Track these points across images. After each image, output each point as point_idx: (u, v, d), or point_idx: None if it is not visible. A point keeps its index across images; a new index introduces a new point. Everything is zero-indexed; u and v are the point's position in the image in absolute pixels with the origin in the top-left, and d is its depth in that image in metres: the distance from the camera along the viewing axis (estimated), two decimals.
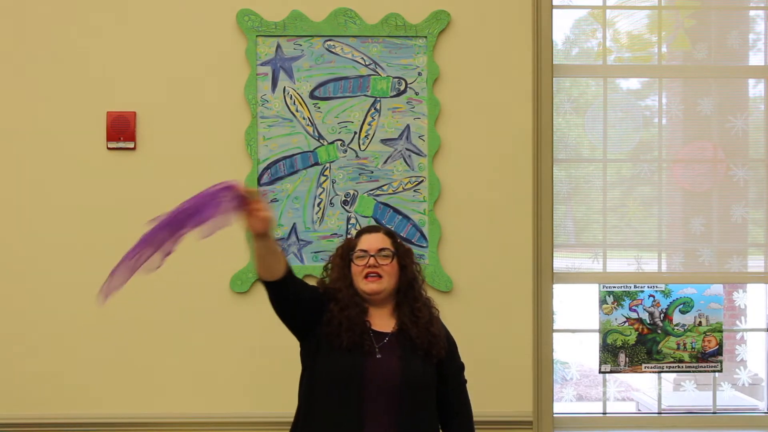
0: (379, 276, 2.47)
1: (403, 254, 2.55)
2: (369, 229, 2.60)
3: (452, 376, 2.55)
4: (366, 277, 2.48)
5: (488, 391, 3.33)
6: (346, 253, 2.55)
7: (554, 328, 3.55)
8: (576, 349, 5.31)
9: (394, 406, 2.38)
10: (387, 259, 2.49)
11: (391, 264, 2.49)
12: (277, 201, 3.43)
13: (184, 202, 2.24)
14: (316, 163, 3.45)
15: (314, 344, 2.46)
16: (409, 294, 2.52)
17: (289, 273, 2.40)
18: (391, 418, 2.37)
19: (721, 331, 3.63)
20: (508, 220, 3.47)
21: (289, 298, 2.41)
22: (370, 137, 3.45)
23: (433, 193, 3.43)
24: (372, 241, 2.51)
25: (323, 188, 3.44)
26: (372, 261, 2.47)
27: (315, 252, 3.43)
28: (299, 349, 2.54)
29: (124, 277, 2.28)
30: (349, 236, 2.71)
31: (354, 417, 2.35)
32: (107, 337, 3.41)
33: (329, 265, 2.60)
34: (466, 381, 2.62)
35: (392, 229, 2.62)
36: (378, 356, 2.42)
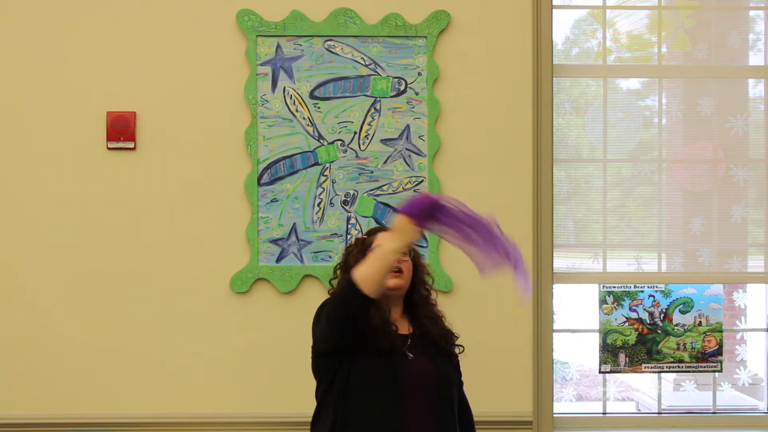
0: (401, 271, 2.48)
1: (416, 254, 2.60)
2: (383, 229, 2.59)
3: (459, 376, 2.59)
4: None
5: (488, 391, 3.33)
6: (363, 250, 2.50)
7: (554, 328, 3.55)
8: (576, 349, 5.31)
9: (432, 405, 2.40)
10: (407, 256, 2.51)
11: (409, 261, 2.52)
12: (277, 201, 3.43)
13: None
14: (316, 163, 3.45)
15: (348, 353, 2.38)
16: (422, 294, 2.55)
17: None
18: (430, 417, 2.39)
19: (721, 331, 3.63)
20: (508, 220, 3.40)
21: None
22: (370, 137, 3.45)
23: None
24: None
25: (323, 188, 3.44)
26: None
27: (315, 252, 3.43)
28: (309, 357, 2.50)
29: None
30: (359, 236, 2.70)
31: (396, 418, 2.35)
32: (107, 336, 3.41)
33: (342, 265, 2.58)
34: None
35: None
36: (410, 357, 2.43)
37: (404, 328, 2.50)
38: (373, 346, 2.38)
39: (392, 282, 2.46)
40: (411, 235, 2.27)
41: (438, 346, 2.49)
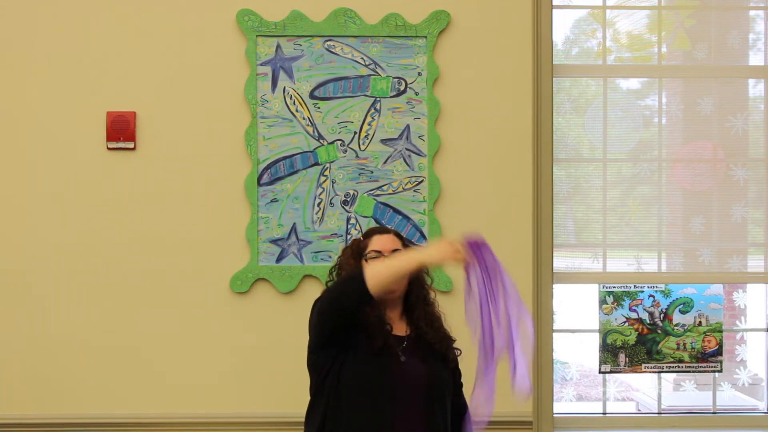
0: None
1: None
2: (379, 230, 2.57)
3: (457, 379, 2.56)
4: None
5: None
6: (357, 254, 2.50)
7: (554, 328, 3.55)
8: (576, 349, 5.31)
9: (423, 408, 2.38)
10: None
11: None
12: (277, 201, 3.43)
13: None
14: (316, 163, 3.45)
15: (341, 349, 2.39)
16: (420, 297, 2.51)
17: None
18: (420, 420, 2.37)
19: (721, 331, 3.63)
20: (508, 220, 3.47)
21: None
22: (370, 137, 3.45)
23: (433, 193, 3.43)
24: (385, 242, 2.49)
25: (323, 188, 3.44)
26: None
27: (315, 252, 3.43)
28: (306, 353, 2.47)
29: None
30: (356, 238, 2.69)
31: (385, 420, 2.33)
32: (107, 336, 3.41)
33: (336, 268, 2.55)
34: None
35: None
36: (402, 359, 2.41)
37: (401, 329, 2.48)
38: (366, 346, 2.37)
39: None
40: (448, 259, 2.26)
41: (433, 350, 2.45)
